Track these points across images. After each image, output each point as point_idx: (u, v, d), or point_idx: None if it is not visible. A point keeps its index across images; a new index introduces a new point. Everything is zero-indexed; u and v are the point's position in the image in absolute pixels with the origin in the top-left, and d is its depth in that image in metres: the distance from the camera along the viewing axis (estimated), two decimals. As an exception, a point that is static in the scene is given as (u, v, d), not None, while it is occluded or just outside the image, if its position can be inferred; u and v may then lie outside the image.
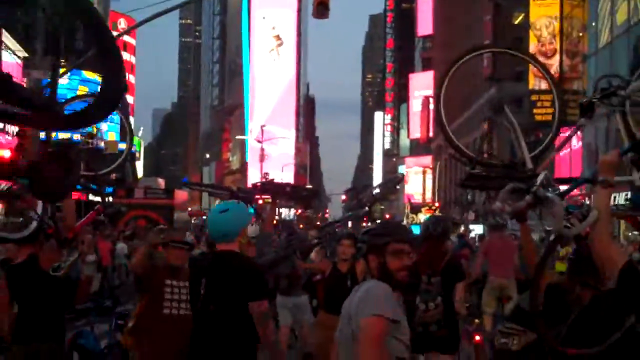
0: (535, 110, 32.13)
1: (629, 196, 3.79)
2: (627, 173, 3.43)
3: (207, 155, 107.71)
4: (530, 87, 32.41)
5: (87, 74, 59.75)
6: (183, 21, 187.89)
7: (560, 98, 4.42)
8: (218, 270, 3.92)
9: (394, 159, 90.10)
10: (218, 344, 3.85)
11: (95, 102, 2.58)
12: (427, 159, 67.62)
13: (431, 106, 67.77)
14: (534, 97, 32.20)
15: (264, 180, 9.81)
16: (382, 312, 2.99)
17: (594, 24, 27.77)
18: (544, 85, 32.12)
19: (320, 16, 11.62)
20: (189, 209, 68.79)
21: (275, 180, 10.00)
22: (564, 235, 3.38)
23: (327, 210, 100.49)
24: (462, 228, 30.52)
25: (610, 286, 3.08)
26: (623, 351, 3.17)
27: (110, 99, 2.55)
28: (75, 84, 58.58)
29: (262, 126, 59.11)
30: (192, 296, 4.07)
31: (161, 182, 56.38)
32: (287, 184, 10.02)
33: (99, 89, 2.60)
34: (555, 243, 3.83)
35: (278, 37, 75.89)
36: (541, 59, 32.18)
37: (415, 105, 73.32)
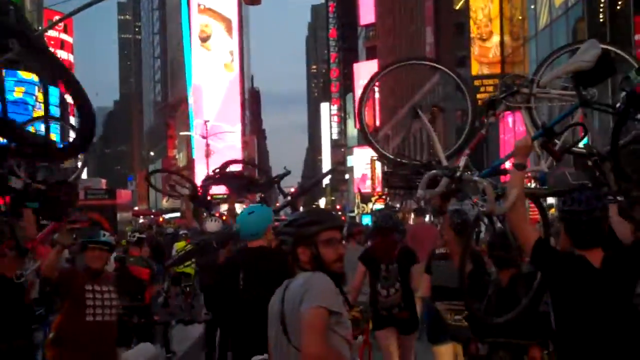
0: (478, 95, 32.31)
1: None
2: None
3: (152, 153, 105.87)
4: (474, 72, 32.55)
5: (23, 74, 57.91)
6: (122, 17, 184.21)
7: (474, 103, 4.62)
8: (255, 264, 4.47)
9: (343, 150, 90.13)
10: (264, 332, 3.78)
11: (80, 134, 3.09)
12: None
13: (377, 95, 67.93)
14: (477, 82, 32.35)
15: (217, 171, 9.55)
16: (323, 303, 2.83)
17: (532, 6, 28.00)
18: (486, 70, 32.37)
19: (252, 3, 11.39)
20: (135, 208, 67.56)
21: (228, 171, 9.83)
22: (489, 214, 3.85)
23: (277, 204, 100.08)
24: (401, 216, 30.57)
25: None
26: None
27: (90, 129, 3.01)
28: (12, 85, 56.72)
29: (206, 121, 58.25)
30: (228, 290, 4.56)
31: (103, 182, 55.13)
32: (242, 174, 9.88)
33: (79, 123, 3.11)
34: (477, 222, 4.43)
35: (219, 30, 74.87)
36: (479, 42, 32.44)
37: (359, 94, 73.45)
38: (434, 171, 3.70)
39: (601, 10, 21.73)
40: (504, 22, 31.00)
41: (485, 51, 32.11)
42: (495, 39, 31.52)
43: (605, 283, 3.25)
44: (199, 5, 73.98)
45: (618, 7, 20.69)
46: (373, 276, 6.57)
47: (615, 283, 3.27)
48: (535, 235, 3.45)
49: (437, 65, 5.10)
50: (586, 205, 3.30)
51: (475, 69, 32.20)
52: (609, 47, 4.34)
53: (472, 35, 32.53)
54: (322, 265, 2.96)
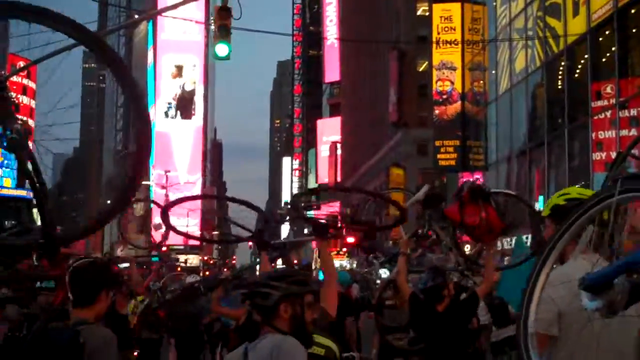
0: (439, 156, 32.76)
1: None
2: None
3: (109, 202, 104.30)
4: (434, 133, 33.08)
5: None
6: (87, 65, 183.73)
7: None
8: None
9: (302, 204, 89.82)
10: None
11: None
12: (335, 204, 67.79)
13: (339, 152, 68.42)
14: (437, 143, 32.84)
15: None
16: None
17: (494, 71, 28.71)
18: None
19: (222, 38, 11.42)
20: (94, 255, 65.77)
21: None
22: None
23: (235, 257, 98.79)
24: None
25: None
26: None
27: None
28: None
29: (167, 171, 57.69)
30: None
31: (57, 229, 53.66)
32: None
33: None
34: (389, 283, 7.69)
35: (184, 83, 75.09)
36: (442, 106, 33.02)
37: (324, 150, 73.86)
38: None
39: (560, 77, 22.39)
40: (465, 88, 31.71)
41: (447, 112, 32.69)
42: (457, 102, 32.17)
43: (445, 322, 5.51)
44: (165, 58, 74.25)
45: (576, 75, 21.35)
46: None
47: (452, 322, 5.52)
48: (410, 291, 5.90)
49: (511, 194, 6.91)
50: (427, 279, 5.67)
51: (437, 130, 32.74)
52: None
53: (434, 97, 33.18)
54: (301, 326, 2.88)
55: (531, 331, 2.00)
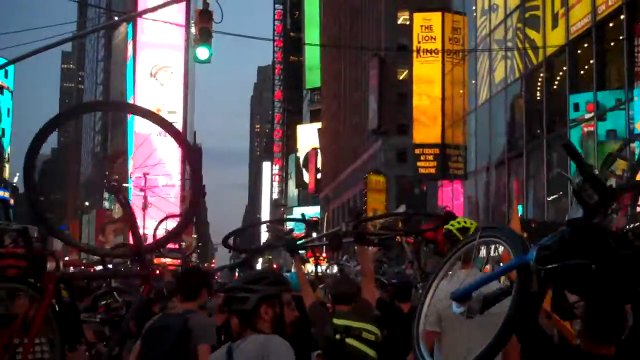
0: (419, 164, 32.84)
1: None
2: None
3: (87, 203, 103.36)
4: (415, 141, 33.14)
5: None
6: (65, 66, 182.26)
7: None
8: None
9: (282, 209, 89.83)
10: None
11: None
12: (315, 209, 67.87)
13: (319, 157, 68.45)
14: (417, 151, 32.92)
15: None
16: None
17: (473, 81, 28.91)
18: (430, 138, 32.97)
19: (203, 41, 11.41)
20: (66, 258, 65.26)
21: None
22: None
23: (214, 261, 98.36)
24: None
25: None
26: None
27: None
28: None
29: (146, 174, 57.28)
30: None
31: (35, 229, 53.04)
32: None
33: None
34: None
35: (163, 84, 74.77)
36: (423, 118, 33.05)
37: (303, 156, 73.90)
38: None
39: (538, 88, 22.61)
40: (445, 100, 31.85)
41: (427, 121, 32.80)
42: (437, 111, 32.28)
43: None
44: (145, 61, 73.89)
45: (555, 87, 21.57)
46: None
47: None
48: (377, 295, 5.82)
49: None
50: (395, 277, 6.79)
51: (418, 137, 32.80)
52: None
53: (415, 104, 33.28)
54: (282, 326, 2.91)
55: (421, 329, 2.65)
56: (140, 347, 4.71)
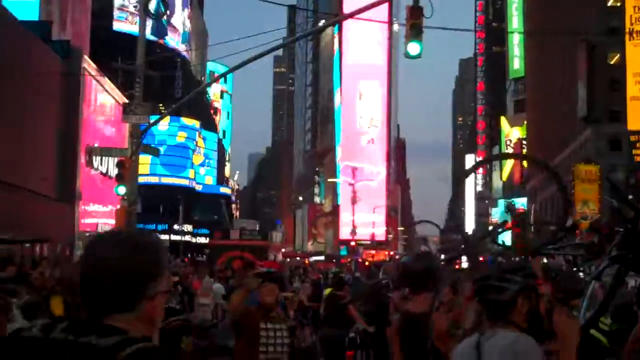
0: (634, 152, 31.51)
1: None
2: None
3: (300, 198, 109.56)
4: (629, 127, 31.86)
5: (186, 120, 62.74)
6: (277, 70, 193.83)
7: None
8: None
9: (487, 202, 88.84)
10: None
11: None
12: (522, 201, 66.50)
13: (524, 149, 66.98)
14: (633, 138, 31.62)
15: None
16: None
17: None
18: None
19: (414, 37, 11.46)
20: (282, 250, 70.30)
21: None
22: None
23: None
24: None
25: None
26: None
27: None
28: (175, 130, 61.62)
29: (354, 169, 60.00)
30: None
31: (257, 224, 57.93)
32: None
33: None
34: None
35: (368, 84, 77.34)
36: (639, 104, 31.50)
37: (508, 148, 72.53)
38: None
39: None
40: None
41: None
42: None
43: None
44: (351, 59, 76.92)
45: None
46: None
47: None
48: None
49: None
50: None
51: (633, 124, 31.48)
52: None
53: (630, 95, 31.89)
54: (538, 321, 2.78)
55: None
56: None
